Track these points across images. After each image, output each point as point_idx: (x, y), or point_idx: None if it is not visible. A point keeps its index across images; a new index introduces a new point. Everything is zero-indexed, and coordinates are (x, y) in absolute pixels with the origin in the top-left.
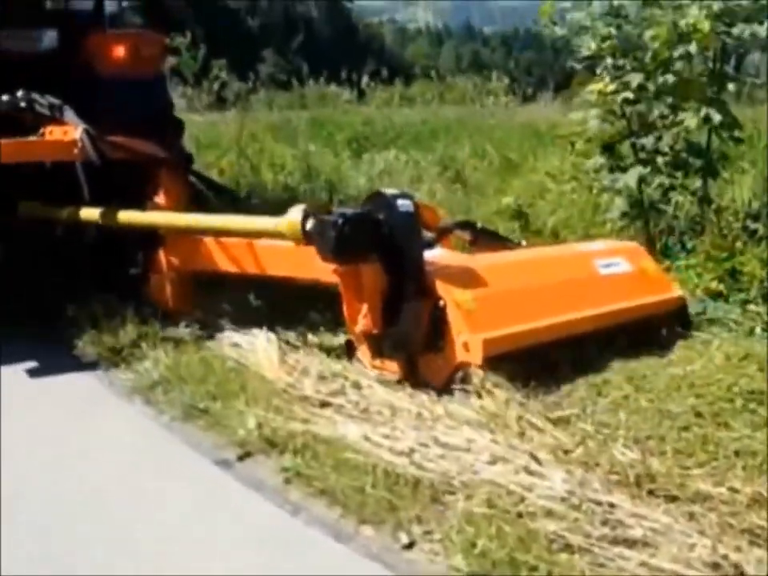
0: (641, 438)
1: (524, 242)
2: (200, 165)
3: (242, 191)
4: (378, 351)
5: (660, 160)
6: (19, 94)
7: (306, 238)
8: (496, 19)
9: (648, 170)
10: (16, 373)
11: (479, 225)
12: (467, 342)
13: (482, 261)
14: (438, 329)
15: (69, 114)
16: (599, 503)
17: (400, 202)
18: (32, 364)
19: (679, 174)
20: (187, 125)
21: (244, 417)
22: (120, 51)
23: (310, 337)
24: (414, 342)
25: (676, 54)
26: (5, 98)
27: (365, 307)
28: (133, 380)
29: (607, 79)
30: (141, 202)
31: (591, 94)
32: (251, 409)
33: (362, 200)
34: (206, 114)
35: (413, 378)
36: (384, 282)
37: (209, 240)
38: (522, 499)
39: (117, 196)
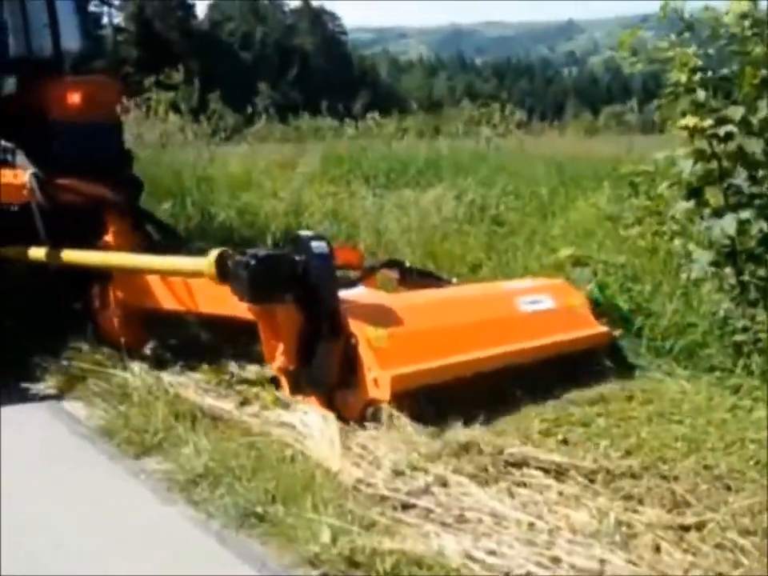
0: None
1: (455, 280)
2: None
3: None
4: (296, 386)
5: (758, 202)
6: None
7: (222, 278)
8: (487, 49)
9: (747, 214)
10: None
11: (407, 263)
12: (377, 379)
13: (401, 300)
14: (351, 366)
15: (20, 158)
16: None
17: (315, 243)
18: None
19: None
20: (199, 161)
21: (314, 526)
22: (75, 97)
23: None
24: (329, 379)
25: None
26: None
27: (281, 345)
28: (171, 472)
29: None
30: (94, 242)
31: (681, 131)
32: (321, 515)
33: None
34: (212, 148)
35: (331, 412)
36: (299, 321)
37: (151, 278)
38: None
39: (73, 236)
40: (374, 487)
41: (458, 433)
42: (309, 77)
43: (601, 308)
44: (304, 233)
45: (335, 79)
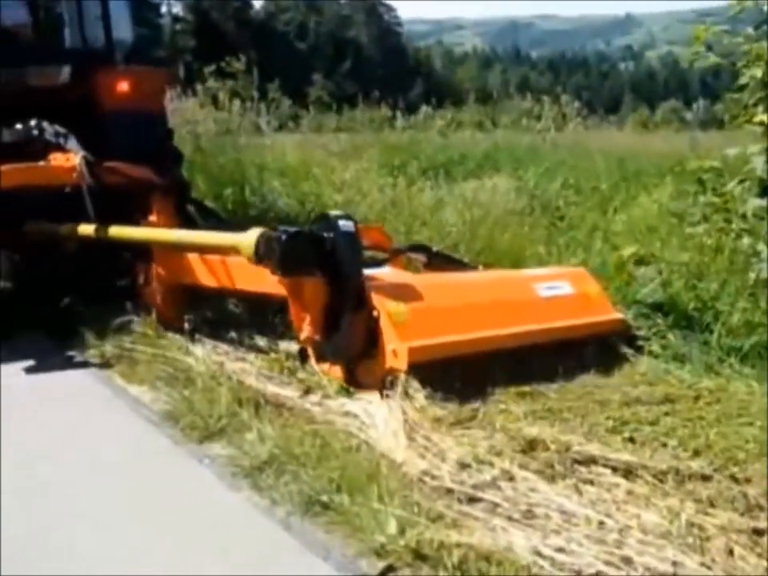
0: None
1: (481, 267)
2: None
3: None
4: (321, 357)
5: None
6: (32, 123)
7: (258, 257)
8: (543, 42)
9: None
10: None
11: (434, 248)
12: (396, 350)
13: (423, 279)
14: (372, 337)
15: (71, 142)
16: None
17: (342, 222)
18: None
19: None
20: (258, 150)
21: (380, 517)
22: (124, 86)
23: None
24: (352, 349)
25: None
26: (19, 126)
27: (308, 317)
28: (235, 458)
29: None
30: (139, 222)
31: (754, 126)
32: (387, 506)
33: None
34: (270, 135)
35: (353, 381)
36: (326, 294)
37: (191, 256)
38: None
39: (120, 216)
40: (439, 479)
41: (523, 428)
42: (363, 68)
43: (666, 306)
44: (333, 212)
45: (390, 70)
